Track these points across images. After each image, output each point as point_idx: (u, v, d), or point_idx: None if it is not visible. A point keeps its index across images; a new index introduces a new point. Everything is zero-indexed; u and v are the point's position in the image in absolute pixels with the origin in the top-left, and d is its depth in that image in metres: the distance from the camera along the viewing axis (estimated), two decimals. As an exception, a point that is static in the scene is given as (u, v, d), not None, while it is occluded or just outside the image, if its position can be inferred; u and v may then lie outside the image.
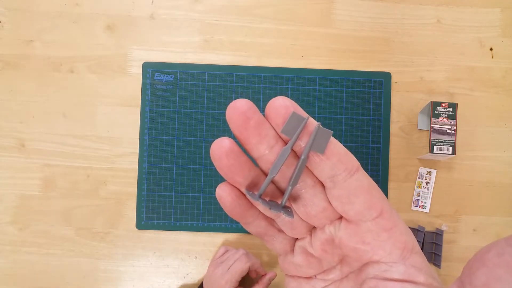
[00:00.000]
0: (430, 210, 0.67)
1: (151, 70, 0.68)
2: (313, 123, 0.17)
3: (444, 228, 0.67)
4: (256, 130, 0.16)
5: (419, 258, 0.18)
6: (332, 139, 0.17)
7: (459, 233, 0.68)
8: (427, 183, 0.67)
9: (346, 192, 0.17)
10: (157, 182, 0.67)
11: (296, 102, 0.67)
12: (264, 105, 0.68)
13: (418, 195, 0.68)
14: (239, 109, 0.16)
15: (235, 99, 0.68)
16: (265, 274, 0.61)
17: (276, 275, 0.61)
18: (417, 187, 0.68)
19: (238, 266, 0.57)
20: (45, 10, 0.69)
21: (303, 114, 0.17)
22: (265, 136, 0.17)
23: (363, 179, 0.17)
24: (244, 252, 0.60)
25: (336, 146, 0.17)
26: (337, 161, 0.17)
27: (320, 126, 0.17)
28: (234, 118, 0.16)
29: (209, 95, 0.68)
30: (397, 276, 0.18)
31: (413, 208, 0.67)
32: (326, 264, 0.20)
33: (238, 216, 0.19)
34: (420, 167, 0.68)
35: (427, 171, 0.67)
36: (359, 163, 0.18)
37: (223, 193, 0.18)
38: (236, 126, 0.16)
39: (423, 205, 0.67)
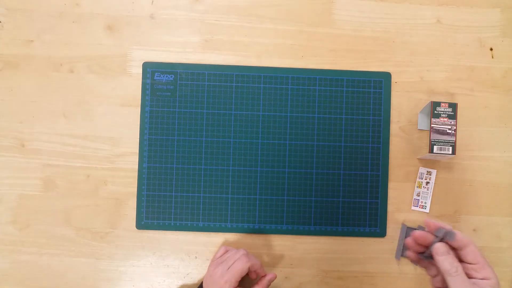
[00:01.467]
0: (430, 210, 0.68)
1: (151, 70, 0.68)
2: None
3: None
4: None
5: None
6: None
7: (459, 233, 0.68)
8: (427, 183, 0.67)
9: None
10: (157, 182, 0.67)
11: (296, 102, 0.67)
12: (264, 104, 0.68)
13: (418, 195, 0.68)
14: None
15: (235, 99, 0.68)
16: (265, 275, 0.61)
17: (276, 277, 0.61)
18: (417, 187, 0.68)
19: (238, 266, 0.57)
20: (45, 10, 0.69)
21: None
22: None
23: None
24: (245, 252, 0.60)
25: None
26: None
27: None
28: (411, 244, 0.44)
29: (209, 95, 0.68)
30: None
31: (413, 208, 0.67)
32: None
33: (418, 264, 0.45)
34: (420, 167, 0.68)
35: (427, 171, 0.67)
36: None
37: (410, 255, 0.44)
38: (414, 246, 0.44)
39: (423, 205, 0.67)
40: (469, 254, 0.41)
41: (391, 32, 0.69)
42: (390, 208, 0.68)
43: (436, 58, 0.69)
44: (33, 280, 0.67)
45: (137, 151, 0.68)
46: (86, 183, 0.67)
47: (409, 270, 0.67)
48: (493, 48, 0.70)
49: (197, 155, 0.67)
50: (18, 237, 0.67)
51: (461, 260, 0.41)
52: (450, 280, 0.40)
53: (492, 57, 0.70)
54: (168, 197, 0.67)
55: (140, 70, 0.68)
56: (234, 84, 0.68)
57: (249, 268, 0.58)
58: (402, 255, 0.67)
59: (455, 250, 0.41)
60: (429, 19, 0.70)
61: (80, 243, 0.67)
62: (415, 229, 0.67)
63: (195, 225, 0.67)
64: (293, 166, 0.68)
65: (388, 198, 0.68)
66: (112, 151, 0.68)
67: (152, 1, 0.69)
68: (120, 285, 0.67)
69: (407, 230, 0.66)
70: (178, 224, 0.67)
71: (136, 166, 0.67)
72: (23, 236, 0.67)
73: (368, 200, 0.67)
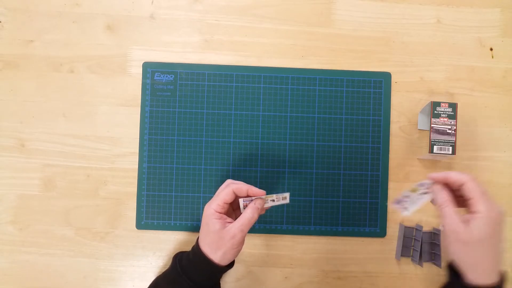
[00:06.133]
0: (427, 210, 0.67)
1: (151, 70, 0.68)
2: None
3: (441, 228, 0.67)
4: None
5: None
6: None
7: (459, 233, 0.68)
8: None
9: None
10: (157, 182, 0.67)
11: (296, 102, 0.67)
12: (264, 104, 0.68)
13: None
14: None
15: (235, 99, 0.68)
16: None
17: (262, 202, 0.53)
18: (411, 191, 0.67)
19: (221, 190, 0.53)
20: (45, 10, 0.69)
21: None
22: None
23: None
24: (230, 180, 0.55)
25: None
26: None
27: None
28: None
29: (209, 95, 0.68)
30: None
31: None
32: None
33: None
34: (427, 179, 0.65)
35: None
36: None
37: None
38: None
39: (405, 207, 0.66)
40: (465, 190, 0.45)
41: (391, 32, 0.69)
42: (390, 208, 0.68)
43: (436, 58, 0.69)
44: (33, 280, 0.67)
45: (137, 151, 0.68)
46: (86, 183, 0.67)
47: (409, 270, 0.67)
48: (493, 48, 0.70)
49: (197, 155, 0.67)
50: (18, 237, 0.67)
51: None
52: (441, 211, 0.46)
53: (492, 57, 0.70)
54: (168, 197, 0.67)
55: (140, 70, 0.68)
56: (234, 84, 0.68)
57: (234, 191, 0.52)
58: (402, 255, 0.67)
59: (458, 188, 0.46)
60: (429, 19, 0.70)
61: (80, 243, 0.67)
62: (413, 228, 0.67)
63: (195, 225, 0.67)
64: (293, 166, 0.68)
65: (388, 198, 0.68)
66: (112, 151, 0.68)
67: (152, 1, 0.69)
68: (120, 285, 0.67)
69: (405, 230, 0.66)
70: (178, 224, 0.67)
71: (136, 166, 0.67)
72: (23, 236, 0.67)
73: (368, 200, 0.67)
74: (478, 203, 0.43)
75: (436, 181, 0.48)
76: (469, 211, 0.45)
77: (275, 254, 0.67)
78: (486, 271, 0.44)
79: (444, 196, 0.46)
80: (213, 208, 0.52)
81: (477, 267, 0.44)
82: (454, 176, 0.46)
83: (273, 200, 0.54)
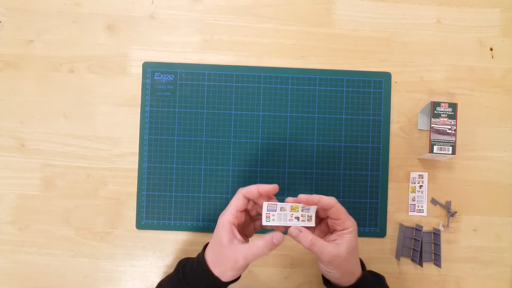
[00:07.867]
0: (428, 210, 0.68)
1: (151, 70, 0.68)
2: None
3: (441, 228, 0.67)
4: None
5: None
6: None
7: (459, 233, 0.68)
8: (421, 186, 0.67)
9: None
10: (157, 182, 0.67)
11: (296, 102, 0.67)
12: (264, 104, 0.68)
13: (413, 200, 0.67)
14: None
15: (235, 99, 0.68)
16: (271, 234, 0.49)
17: (282, 238, 0.48)
18: (411, 192, 0.68)
19: (233, 198, 0.51)
20: (45, 10, 0.69)
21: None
22: None
23: None
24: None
25: None
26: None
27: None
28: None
29: (209, 95, 0.68)
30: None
31: (410, 213, 0.67)
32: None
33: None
34: (411, 172, 0.68)
35: (419, 174, 0.67)
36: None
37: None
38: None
39: (420, 209, 0.67)
40: (332, 213, 0.50)
41: (391, 32, 0.69)
42: (390, 208, 0.68)
43: (436, 58, 0.69)
44: (33, 280, 0.67)
45: (137, 151, 0.68)
46: (86, 183, 0.67)
47: (409, 270, 0.67)
48: (493, 48, 0.70)
49: (197, 155, 0.67)
50: (18, 237, 0.67)
51: (328, 217, 0.51)
52: (313, 250, 0.49)
53: (492, 57, 0.70)
54: (168, 197, 0.67)
55: (140, 70, 0.68)
56: (234, 84, 0.68)
57: (244, 196, 0.50)
58: (402, 255, 0.67)
59: (325, 210, 0.50)
60: (429, 19, 0.70)
61: (80, 243, 0.67)
62: (413, 228, 0.67)
63: (195, 225, 0.67)
64: (293, 166, 0.68)
65: (388, 198, 0.68)
66: (112, 151, 0.68)
67: (152, 1, 0.69)
68: (120, 285, 0.67)
69: (405, 230, 0.66)
70: (178, 224, 0.67)
71: (136, 166, 0.67)
72: (23, 236, 0.67)
73: (368, 200, 0.67)
74: (346, 221, 0.50)
75: (308, 203, 0.50)
76: (337, 229, 0.51)
77: (275, 254, 0.67)
78: (356, 270, 0.52)
79: (309, 237, 0.49)
80: (226, 217, 0.49)
81: (353, 271, 0.52)
82: (325, 200, 0.49)
83: (298, 218, 0.50)
